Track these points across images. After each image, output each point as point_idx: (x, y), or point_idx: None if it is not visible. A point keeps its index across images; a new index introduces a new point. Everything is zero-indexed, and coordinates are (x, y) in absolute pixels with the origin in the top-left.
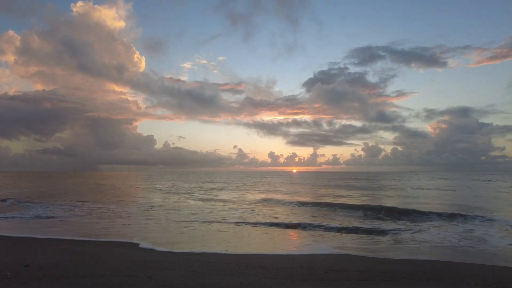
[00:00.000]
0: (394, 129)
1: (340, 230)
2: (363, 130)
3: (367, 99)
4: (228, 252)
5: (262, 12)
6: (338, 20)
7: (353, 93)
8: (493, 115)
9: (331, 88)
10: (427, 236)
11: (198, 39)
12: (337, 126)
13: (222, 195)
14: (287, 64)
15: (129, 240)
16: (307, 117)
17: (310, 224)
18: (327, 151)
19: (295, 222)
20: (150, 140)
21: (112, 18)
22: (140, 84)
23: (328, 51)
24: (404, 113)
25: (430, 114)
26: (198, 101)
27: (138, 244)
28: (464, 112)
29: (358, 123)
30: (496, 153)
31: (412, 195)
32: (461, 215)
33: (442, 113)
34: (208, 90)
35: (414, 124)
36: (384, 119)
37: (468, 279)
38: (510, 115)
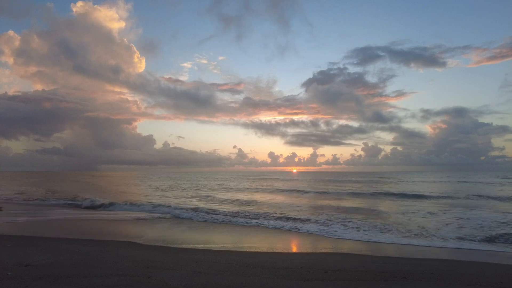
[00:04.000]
0: (391, 129)
1: None
2: (360, 131)
3: (363, 100)
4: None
5: (253, 14)
6: (337, 20)
7: (349, 94)
8: (489, 115)
9: (326, 89)
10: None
11: (198, 38)
12: (334, 126)
13: None
14: (288, 64)
15: (130, 240)
16: (305, 117)
17: None
18: (327, 151)
19: None
20: (149, 140)
21: (112, 18)
22: (140, 84)
23: (328, 51)
24: (401, 114)
25: (426, 114)
26: (195, 102)
27: (138, 244)
28: (461, 112)
29: (355, 124)
30: (495, 153)
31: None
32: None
33: (440, 113)
34: (204, 90)
35: (411, 125)
36: (380, 119)
37: (468, 278)
38: (506, 115)
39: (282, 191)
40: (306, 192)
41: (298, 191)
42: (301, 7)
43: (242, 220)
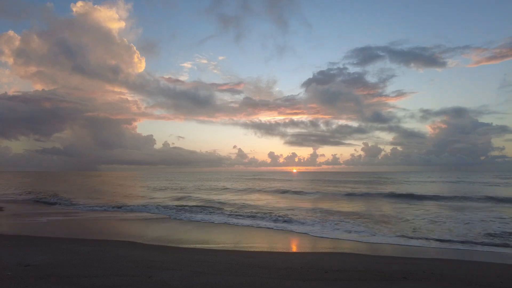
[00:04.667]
0: (391, 129)
1: None
2: (359, 131)
3: (362, 100)
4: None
5: (252, 14)
6: (336, 20)
7: (349, 94)
8: (489, 115)
9: (326, 89)
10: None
11: (198, 38)
12: (334, 126)
13: None
14: (287, 64)
15: (130, 240)
16: (305, 117)
17: None
18: (327, 151)
19: None
20: (149, 140)
21: (112, 18)
22: (140, 84)
23: (328, 51)
24: (400, 113)
25: (426, 114)
26: (194, 102)
27: (138, 244)
28: (461, 112)
29: (354, 124)
30: (495, 153)
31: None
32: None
33: (440, 113)
34: (204, 90)
35: (411, 125)
36: (380, 119)
37: (468, 278)
38: (506, 115)
39: (281, 191)
40: (306, 192)
41: (297, 191)
42: (299, 7)
43: (241, 220)
